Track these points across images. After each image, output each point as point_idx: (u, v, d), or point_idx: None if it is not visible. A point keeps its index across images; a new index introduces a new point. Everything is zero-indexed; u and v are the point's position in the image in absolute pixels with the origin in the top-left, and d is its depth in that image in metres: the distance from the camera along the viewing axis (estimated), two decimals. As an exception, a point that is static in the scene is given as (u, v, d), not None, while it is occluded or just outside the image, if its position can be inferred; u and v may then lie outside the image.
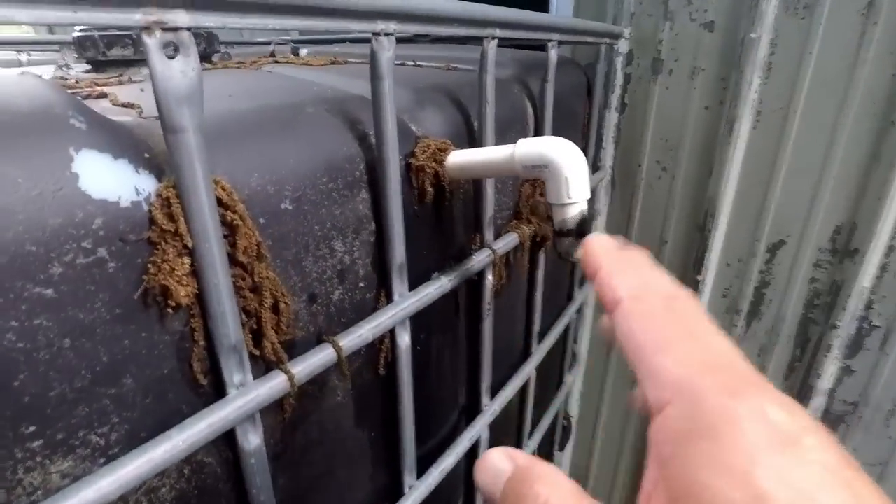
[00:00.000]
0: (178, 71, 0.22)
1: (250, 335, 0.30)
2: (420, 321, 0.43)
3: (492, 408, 0.59)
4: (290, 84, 0.44)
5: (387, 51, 0.33)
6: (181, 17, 0.22)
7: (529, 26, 0.50)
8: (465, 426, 0.56)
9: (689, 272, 1.00)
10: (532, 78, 0.64)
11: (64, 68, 0.55)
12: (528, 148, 0.36)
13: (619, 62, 0.97)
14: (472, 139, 0.49)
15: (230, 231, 0.27)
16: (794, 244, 0.88)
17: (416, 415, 0.45)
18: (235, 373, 0.29)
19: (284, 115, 0.34)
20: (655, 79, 0.94)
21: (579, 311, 1.08)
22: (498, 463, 0.20)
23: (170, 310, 0.25)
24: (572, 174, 0.35)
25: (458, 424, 0.56)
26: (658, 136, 0.97)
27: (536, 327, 0.71)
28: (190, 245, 0.25)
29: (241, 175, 0.29)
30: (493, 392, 0.61)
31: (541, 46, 0.58)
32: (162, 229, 0.24)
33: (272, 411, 0.33)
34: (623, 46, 0.96)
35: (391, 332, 0.40)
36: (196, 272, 0.26)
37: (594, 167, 0.89)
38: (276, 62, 0.60)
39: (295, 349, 0.33)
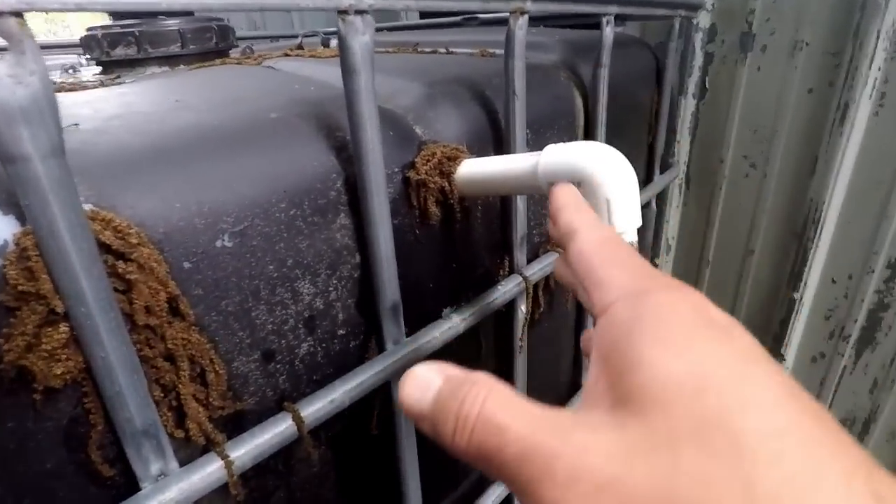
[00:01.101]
0: (7, 76, 0.16)
1: (171, 413, 0.23)
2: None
3: (528, 456, 0.50)
4: (270, 83, 0.37)
5: (360, 34, 0.25)
6: (-2, -5, 0.15)
7: (574, -3, 0.40)
8: (490, 482, 0.47)
9: (782, 288, 0.84)
10: (584, 62, 0.53)
11: (70, 70, 0.52)
12: (556, 157, 0.27)
13: (699, 39, 0.82)
14: (500, 142, 0.40)
15: (126, 286, 0.20)
16: (926, 259, 0.71)
17: (426, 475, 0.37)
18: (153, 461, 0.22)
19: (234, 124, 0.27)
20: (744, 58, 0.79)
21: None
22: (427, 375, 0.19)
23: (37, 396, 0.19)
24: (616, 195, 0.25)
25: (482, 480, 0.47)
26: (746, 126, 0.82)
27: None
28: (60, 310, 0.19)
29: (156, 207, 0.22)
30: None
31: (597, 24, 0.48)
32: (19, 291, 0.18)
33: (219, 495, 0.26)
34: (704, 20, 0.82)
35: (385, 386, 0.32)
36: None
37: (665, 165, 0.76)
38: (286, 55, 0.54)
39: (245, 421, 0.26)
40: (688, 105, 0.87)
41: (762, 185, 0.83)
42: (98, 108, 0.26)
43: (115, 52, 0.54)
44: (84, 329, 0.19)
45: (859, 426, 0.83)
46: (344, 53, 0.25)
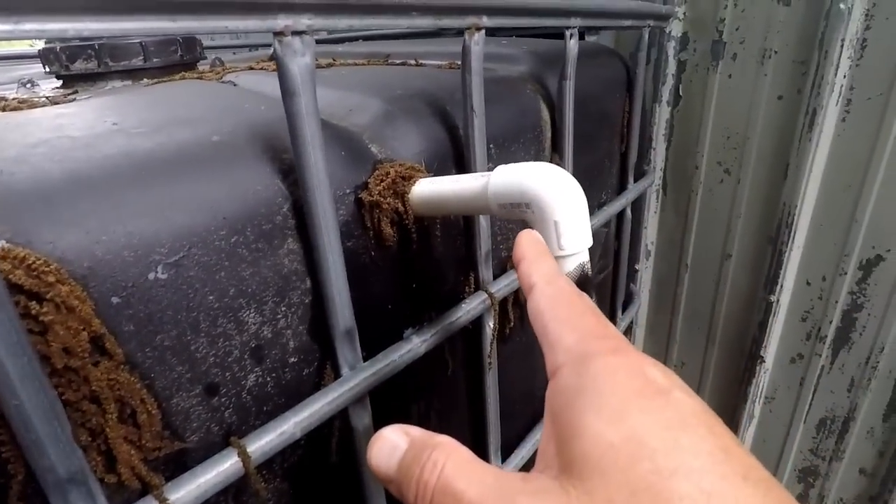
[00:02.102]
0: None
1: (101, 457, 0.22)
2: (392, 388, 0.35)
3: (502, 473, 0.49)
4: (222, 102, 0.36)
5: (299, 55, 0.24)
6: None
7: (533, 11, 0.40)
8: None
9: (759, 291, 0.85)
10: (552, 74, 0.52)
11: (28, 85, 0.50)
12: (504, 178, 0.26)
13: (671, 47, 0.83)
14: (461, 159, 0.39)
15: (41, 327, 0.19)
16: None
17: (393, 500, 0.36)
18: (81, 509, 0.21)
19: (170, 149, 0.26)
20: (716, 65, 0.80)
21: (628, 332, 0.95)
22: (392, 438, 0.20)
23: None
24: (565, 217, 0.25)
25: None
26: (719, 132, 0.82)
27: (564, 368, 0.60)
28: (-36, 357, 0.17)
29: (78, 241, 0.21)
30: (508, 451, 0.51)
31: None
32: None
33: (162, 537, 0.25)
34: (676, 28, 0.82)
35: (343, 413, 0.32)
36: (-9, 388, 0.18)
37: (639, 172, 0.76)
38: (251, 68, 0.53)
39: (189, 460, 0.25)
40: (662, 112, 0.87)
41: (736, 191, 0.83)
42: (27, 132, 0.25)
43: (75, 66, 0.53)
44: (-8, 376, 0.18)
45: (839, 424, 0.84)
46: (282, 75, 0.24)
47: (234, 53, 1.15)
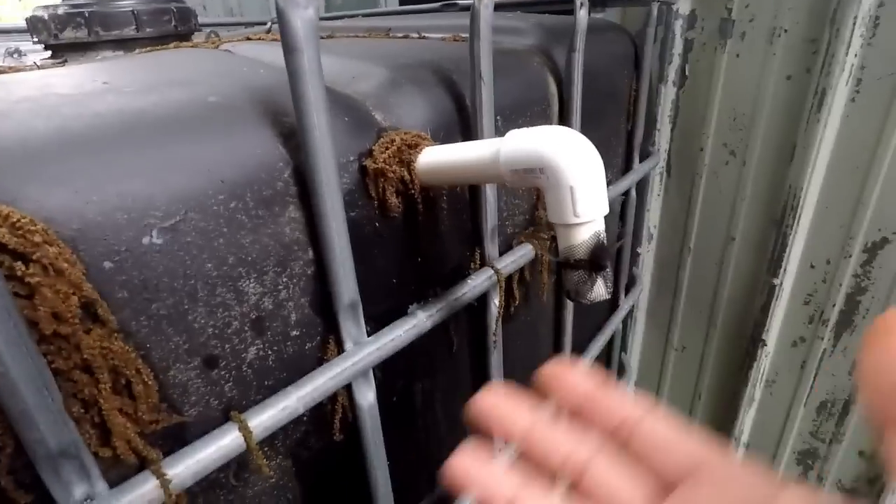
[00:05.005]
0: None
1: (95, 430, 0.21)
2: (396, 366, 0.34)
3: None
4: (219, 66, 0.35)
5: (302, 8, 0.23)
6: None
7: (544, -24, 0.38)
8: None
9: (762, 275, 0.84)
10: (560, 48, 0.51)
11: (15, 55, 0.48)
12: (517, 144, 0.25)
13: (679, 26, 0.81)
14: (468, 130, 0.38)
15: (28, 290, 0.18)
16: (903, 244, 0.71)
17: (399, 479, 0.35)
18: (76, 484, 0.20)
19: (165, 108, 0.24)
20: (724, 44, 0.78)
21: (629, 315, 0.94)
22: None
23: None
24: (581, 182, 0.23)
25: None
26: (725, 113, 0.81)
27: (567, 349, 0.59)
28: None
29: (67, 201, 0.20)
30: (509, 433, 0.50)
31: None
32: None
33: (159, 514, 0.24)
34: (684, 6, 0.80)
35: (347, 389, 0.31)
36: (-25, 354, 0.17)
37: (644, 153, 0.75)
38: (248, 39, 0.51)
39: (188, 434, 0.24)
40: (668, 93, 0.85)
41: (742, 173, 0.82)
42: (11, 90, 0.24)
43: (64, 35, 0.51)
44: (-25, 340, 0.17)
45: (839, 407, 0.84)
46: (284, 29, 0.23)
47: (229, 31, 1.13)
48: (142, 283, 0.21)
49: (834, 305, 0.79)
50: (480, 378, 0.44)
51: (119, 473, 0.21)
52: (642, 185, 0.81)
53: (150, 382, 0.21)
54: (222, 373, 0.25)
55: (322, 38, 0.54)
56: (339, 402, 0.31)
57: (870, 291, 0.76)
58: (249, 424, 0.24)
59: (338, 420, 0.31)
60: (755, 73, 0.75)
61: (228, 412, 0.26)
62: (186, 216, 0.23)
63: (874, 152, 0.68)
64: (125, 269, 0.21)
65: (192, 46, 0.48)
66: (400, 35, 0.59)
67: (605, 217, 0.25)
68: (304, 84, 0.24)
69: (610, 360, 0.85)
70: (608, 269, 0.26)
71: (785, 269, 0.81)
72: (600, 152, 0.25)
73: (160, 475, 0.22)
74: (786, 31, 0.71)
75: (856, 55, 0.66)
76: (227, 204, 0.24)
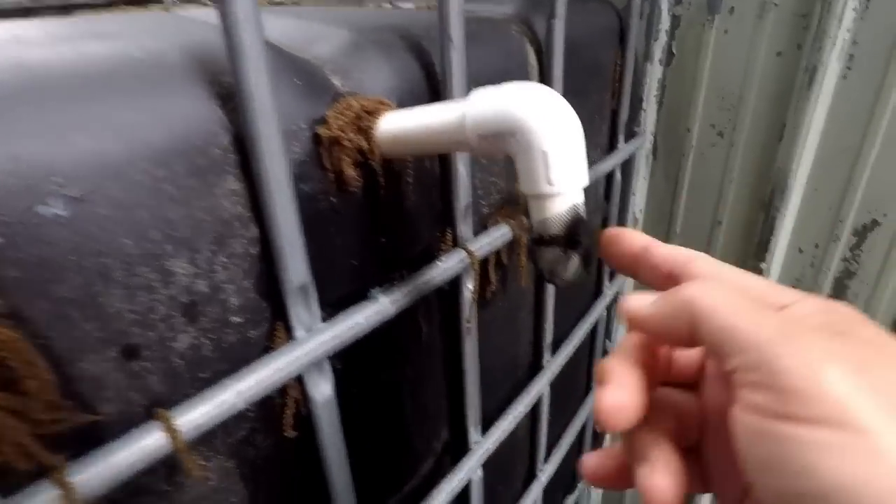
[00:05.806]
0: None
1: (-17, 432, 0.18)
2: (358, 356, 0.31)
3: (484, 445, 0.46)
4: (157, 26, 0.31)
5: (229, -58, 0.20)
6: None
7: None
8: (449, 470, 0.43)
9: (749, 259, 0.82)
10: (540, 17, 0.48)
11: None
12: (484, 105, 0.22)
13: (665, 1, 0.78)
14: (439, 99, 0.35)
15: None
16: (891, 226, 0.69)
17: (362, 477, 0.32)
18: (-39, 494, 0.17)
19: (76, 62, 0.21)
20: (712, 20, 0.75)
21: (613, 302, 0.93)
22: None
23: None
24: (555, 146, 0.21)
25: (433, 475, 0.43)
26: (713, 93, 0.79)
27: (548, 337, 0.57)
28: None
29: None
30: (488, 425, 0.48)
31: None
32: None
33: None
34: (670, -20, 0.77)
35: (299, 381, 0.28)
36: None
37: (629, 133, 0.72)
38: (204, 4, 0.47)
39: (106, 434, 0.21)
40: (654, 72, 0.83)
41: (730, 155, 0.80)
42: None
43: (4, 1, 0.47)
44: None
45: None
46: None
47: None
48: (39, 260, 0.18)
49: (822, 290, 0.78)
50: (453, 367, 0.42)
51: (12, 482, 0.18)
52: (627, 167, 0.79)
53: (45, 376, 0.18)
54: (145, 364, 0.22)
55: (286, 3, 0.50)
56: (290, 395, 0.28)
57: (858, 276, 0.74)
58: (177, 422, 0.21)
59: (289, 415, 0.29)
60: (744, 50, 0.73)
61: (150, 411, 0.23)
62: (100, 184, 0.20)
63: (865, 130, 0.66)
64: (18, 244, 0.18)
65: (140, 9, 0.44)
66: (370, 5, 0.56)
67: (588, 199, 0.22)
68: (239, 35, 0.21)
69: (594, 349, 0.83)
70: (588, 247, 0.23)
71: (773, 254, 0.79)
72: (583, 130, 0.22)
73: (63, 484, 0.19)
74: (776, 5, 0.68)
75: (848, 30, 0.63)
76: (152, 172, 0.21)
